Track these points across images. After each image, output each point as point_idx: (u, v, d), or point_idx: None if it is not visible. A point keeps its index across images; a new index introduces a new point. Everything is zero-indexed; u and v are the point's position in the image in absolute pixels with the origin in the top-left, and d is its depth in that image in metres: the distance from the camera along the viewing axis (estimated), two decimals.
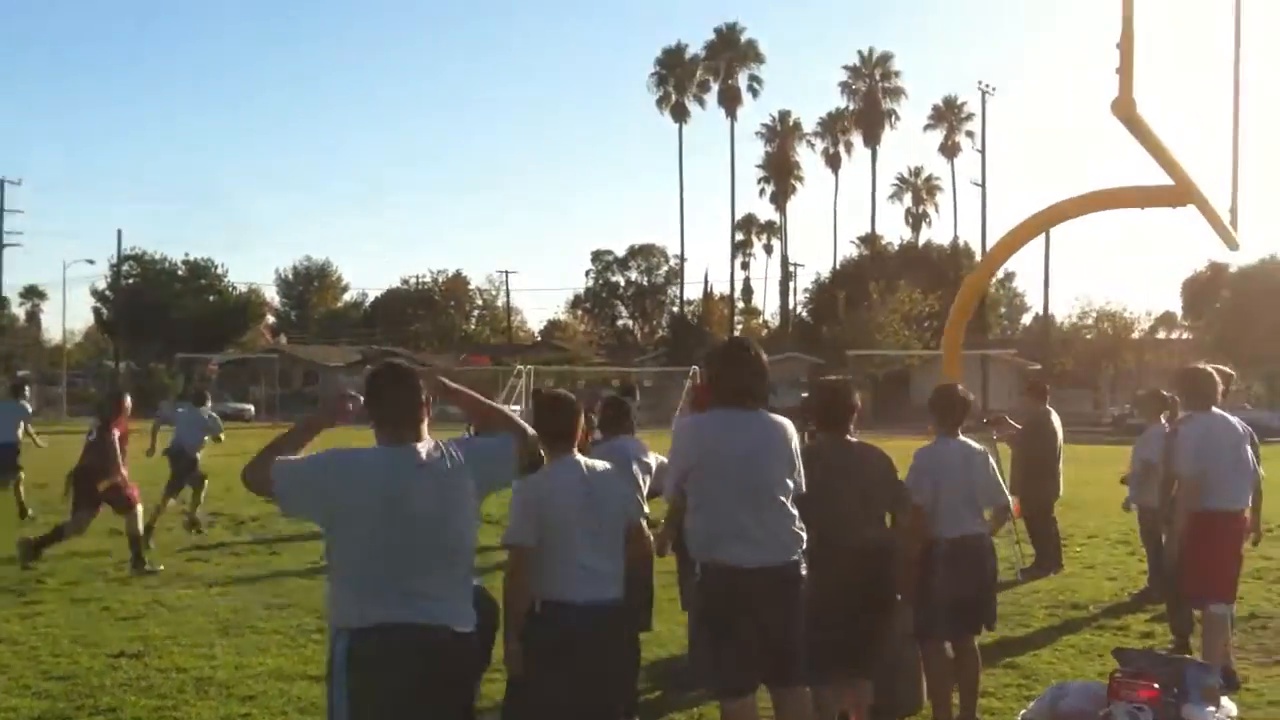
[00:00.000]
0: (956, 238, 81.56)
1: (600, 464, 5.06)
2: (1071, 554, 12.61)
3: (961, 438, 6.55)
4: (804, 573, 5.20)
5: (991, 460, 6.66)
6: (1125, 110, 7.08)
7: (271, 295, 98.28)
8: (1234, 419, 7.62)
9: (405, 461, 3.87)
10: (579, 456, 5.01)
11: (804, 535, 5.20)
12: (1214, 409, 7.51)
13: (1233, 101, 11.25)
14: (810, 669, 5.48)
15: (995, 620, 6.61)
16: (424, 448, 3.93)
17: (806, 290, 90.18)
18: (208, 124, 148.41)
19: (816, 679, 5.59)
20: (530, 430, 4.20)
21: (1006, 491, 6.76)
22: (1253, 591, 10.31)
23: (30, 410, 16.96)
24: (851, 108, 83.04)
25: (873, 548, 5.69)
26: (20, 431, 16.28)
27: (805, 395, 8.61)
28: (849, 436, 5.91)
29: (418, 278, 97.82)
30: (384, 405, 3.97)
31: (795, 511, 5.21)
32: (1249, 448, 7.59)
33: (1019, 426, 12.42)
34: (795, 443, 5.30)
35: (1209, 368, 7.80)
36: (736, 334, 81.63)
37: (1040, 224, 10.51)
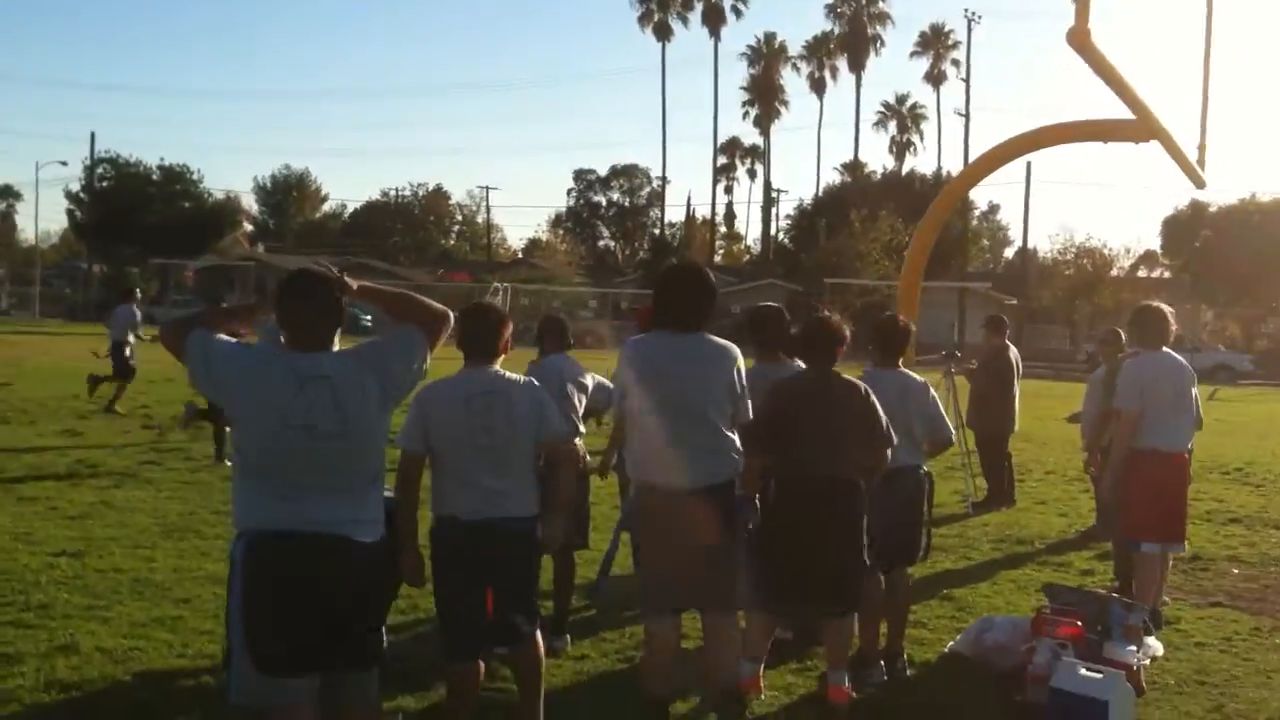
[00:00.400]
0: (940, 167, 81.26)
1: (515, 381, 4.95)
2: (1025, 489, 12.71)
3: (901, 369, 6.51)
4: (737, 495, 5.20)
5: (933, 393, 6.62)
6: (1080, 39, 7.02)
7: (249, 203, 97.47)
8: (1181, 359, 7.54)
9: (302, 371, 3.82)
10: (492, 370, 4.94)
11: (739, 460, 5.18)
12: (1164, 349, 7.44)
13: (1204, 42, 11.18)
14: (763, 595, 5.53)
15: (923, 552, 6.58)
16: (324, 358, 3.88)
17: (789, 216, 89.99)
18: (188, 26, 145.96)
19: (764, 605, 5.62)
20: (449, 315, 4.16)
21: (950, 425, 6.72)
22: (1199, 533, 10.39)
23: None
24: (837, 32, 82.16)
25: (843, 480, 5.64)
26: None
27: (737, 312, 8.45)
28: (833, 369, 5.82)
29: (398, 190, 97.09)
30: (287, 314, 3.93)
31: (733, 435, 5.18)
32: (1192, 391, 7.49)
33: (973, 362, 12.44)
34: (738, 366, 5.25)
35: (1162, 307, 7.65)
36: (716, 259, 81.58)
37: (1000, 157, 10.48)
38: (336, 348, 3.99)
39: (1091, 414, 9.71)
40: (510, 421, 4.80)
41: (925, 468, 6.46)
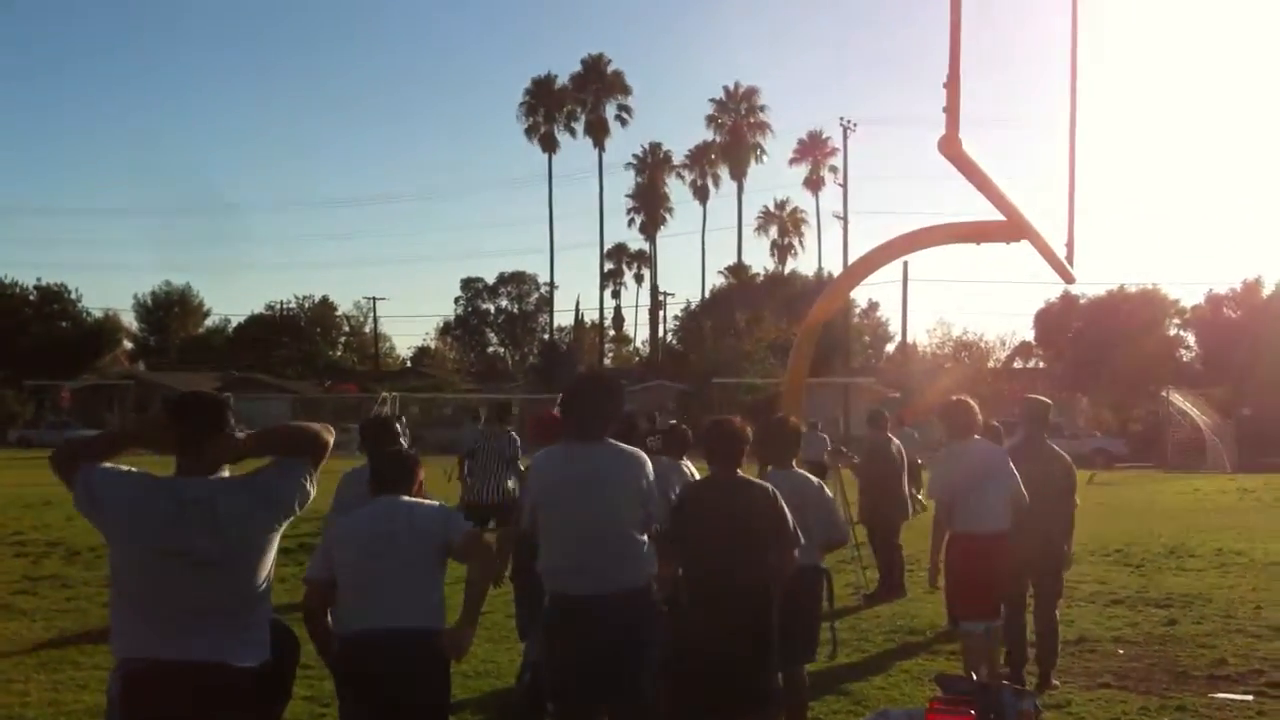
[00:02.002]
0: (821, 269, 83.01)
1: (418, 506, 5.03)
2: (915, 578, 12.82)
3: (795, 469, 6.62)
4: (650, 600, 5.24)
5: (828, 492, 6.74)
6: (952, 148, 7.28)
7: (129, 321, 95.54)
8: (991, 446, 8.05)
9: (184, 495, 3.78)
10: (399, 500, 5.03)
11: (652, 566, 5.25)
12: (974, 438, 7.90)
13: (1069, 139, 11.67)
14: (677, 703, 5.52)
15: (831, 649, 6.69)
16: (208, 482, 3.84)
17: (676, 319, 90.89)
18: (65, 144, 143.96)
19: (678, 713, 5.60)
20: (323, 435, 4.10)
21: (844, 525, 6.86)
22: (1084, 615, 10.62)
23: None
24: (718, 140, 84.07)
25: (753, 583, 5.66)
26: None
27: (673, 423, 8.55)
28: (736, 472, 5.88)
29: (283, 303, 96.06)
30: (177, 441, 3.89)
31: (643, 540, 5.21)
32: (1007, 473, 7.73)
33: (855, 458, 12.68)
34: (647, 473, 5.29)
35: (967, 399, 8.08)
36: (606, 362, 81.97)
37: (879, 259, 10.75)
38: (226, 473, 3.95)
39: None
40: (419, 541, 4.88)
41: (823, 565, 6.56)
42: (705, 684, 5.56)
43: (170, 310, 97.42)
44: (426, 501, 5.13)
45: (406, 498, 5.06)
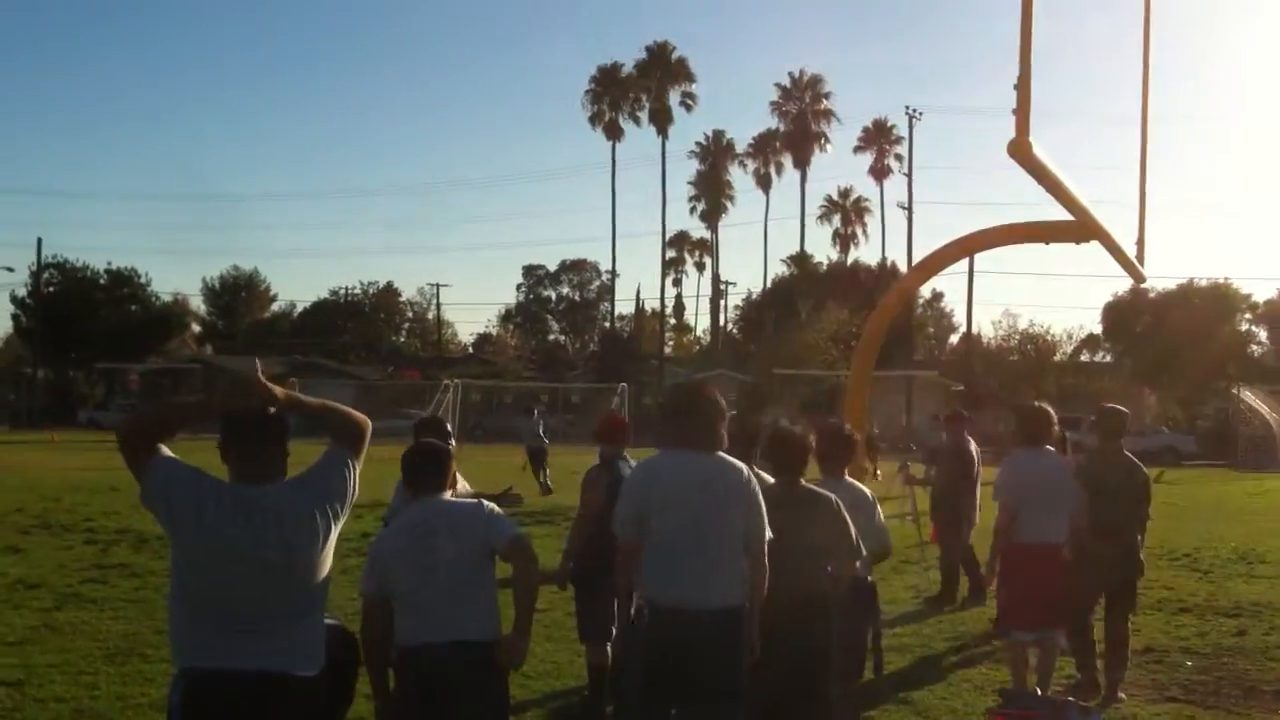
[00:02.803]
0: (885, 259, 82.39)
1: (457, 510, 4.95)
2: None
3: (848, 479, 6.57)
4: (744, 617, 5.16)
5: (878, 505, 6.69)
6: (1022, 152, 7.19)
7: (198, 305, 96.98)
8: (1057, 457, 7.93)
9: (248, 503, 3.77)
10: (436, 503, 4.95)
11: (748, 583, 5.17)
12: (1043, 447, 7.79)
13: (1140, 139, 11.49)
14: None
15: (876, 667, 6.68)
16: (269, 490, 3.84)
17: (737, 308, 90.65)
18: (135, 131, 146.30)
19: None
20: (368, 423, 4.09)
21: (889, 538, 6.78)
22: (1150, 623, 10.44)
23: None
24: (782, 129, 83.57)
25: (816, 595, 5.64)
26: None
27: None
28: (801, 482, 5.84)
29: (347, 289, 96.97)
30: (234, 446, 3.88)
31: (743, 556, 5.16)
32: (1071, 488, 7.71)
33: (929, 470, 12.46)
34: (753, 486, 5.23)
35: (1045, 407, 8.04)
36: (666, 350, 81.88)
37: (948, 257, 10.68)
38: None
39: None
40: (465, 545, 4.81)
41: (870, 578, 6.54)
42: (767, 696, 5.51)
43: (238, 295, 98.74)
44: (465, 502, 5.09)
45: (445, 497, 5.03)
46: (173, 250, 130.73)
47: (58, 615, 10.10)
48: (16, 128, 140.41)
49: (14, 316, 77.88)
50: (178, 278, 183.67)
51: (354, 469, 4.02)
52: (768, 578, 5.30)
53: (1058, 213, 9.45)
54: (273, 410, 3.87)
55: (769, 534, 5.23)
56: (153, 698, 7.43)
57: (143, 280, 79.17)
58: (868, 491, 6.60)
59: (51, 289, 73.52)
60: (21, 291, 74.35)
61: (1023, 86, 7.02)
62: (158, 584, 11.77)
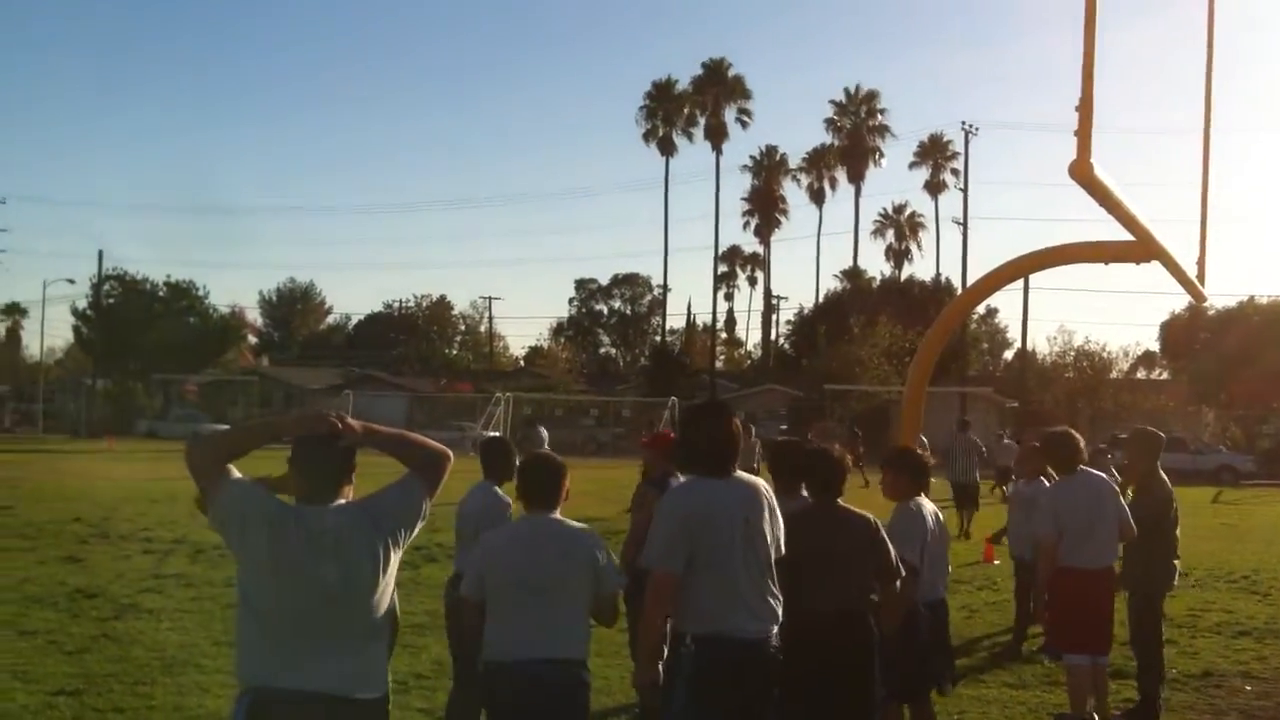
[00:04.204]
0: (939, 274, 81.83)
1: (570, 537, 5.05)
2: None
3: (924, 499, 6.56)
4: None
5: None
6: (1083, 173, 7.11)
7: (254, 317, 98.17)
8: (1100, 478, 7.91)
9: (311, 526, 3.81)
10: (548, 522, 5.09)
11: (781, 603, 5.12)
12: (1080, 469, 7.81)
13: (1202, 158, 11.34)
14: None
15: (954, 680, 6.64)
16: (331, 512, 3.87)
17: (789, 323, 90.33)
18: (194, 145, 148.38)
19: None
20: (448, 455, 4.12)
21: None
22: (1209, 647, 10.29)
23: None
24: (836, 144, 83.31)
25: (854, 615, 5.59)
26: None
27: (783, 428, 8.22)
28: (838, 501, 5.79)
29: (401, 302, 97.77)
30: (299, 468, 3.93)
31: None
32: (1116, 506, 7.74)
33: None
34: (773, 503, 5.18)
35: (1071, 432, 8.09)
36: (717, 365, 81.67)
37: (1006, 276, 10.57)
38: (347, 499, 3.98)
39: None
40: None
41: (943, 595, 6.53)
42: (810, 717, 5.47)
43: (293, 307, 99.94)
44: (578, 528, 5.11)
45: (556, 517, 5.12)
46: (230, 263, 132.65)
47: (116, 625, 10.24)
48: (79, 142, 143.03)
49: (75, 328, 79.24)
50: (235, 290, 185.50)
51: (426, 499, 4.03)
52: (812, 596, 5.32)
53: (1116, 229, 9.35)
54: (346, 443, 3.90)
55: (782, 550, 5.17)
56: (209, 709, 7.52)
57: (201, 292, 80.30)
58: (936, 513, 6.59)
59: (111, 301, 74.66)
60: (82, 303, 75.65)
61: (1084, 107, 6.94)
62: (214, 594, 11.91)
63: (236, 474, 3.86)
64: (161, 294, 78.29)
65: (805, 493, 6.06)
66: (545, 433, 25.63)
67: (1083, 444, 7.99)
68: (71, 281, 70.91)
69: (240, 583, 3.87)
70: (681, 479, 7.15)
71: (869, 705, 5.58)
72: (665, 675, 4.99)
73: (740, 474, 5.06)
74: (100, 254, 72.07)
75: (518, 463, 6.63)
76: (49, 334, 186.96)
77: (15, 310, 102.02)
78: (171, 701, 7.73)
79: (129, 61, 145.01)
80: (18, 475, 27.91)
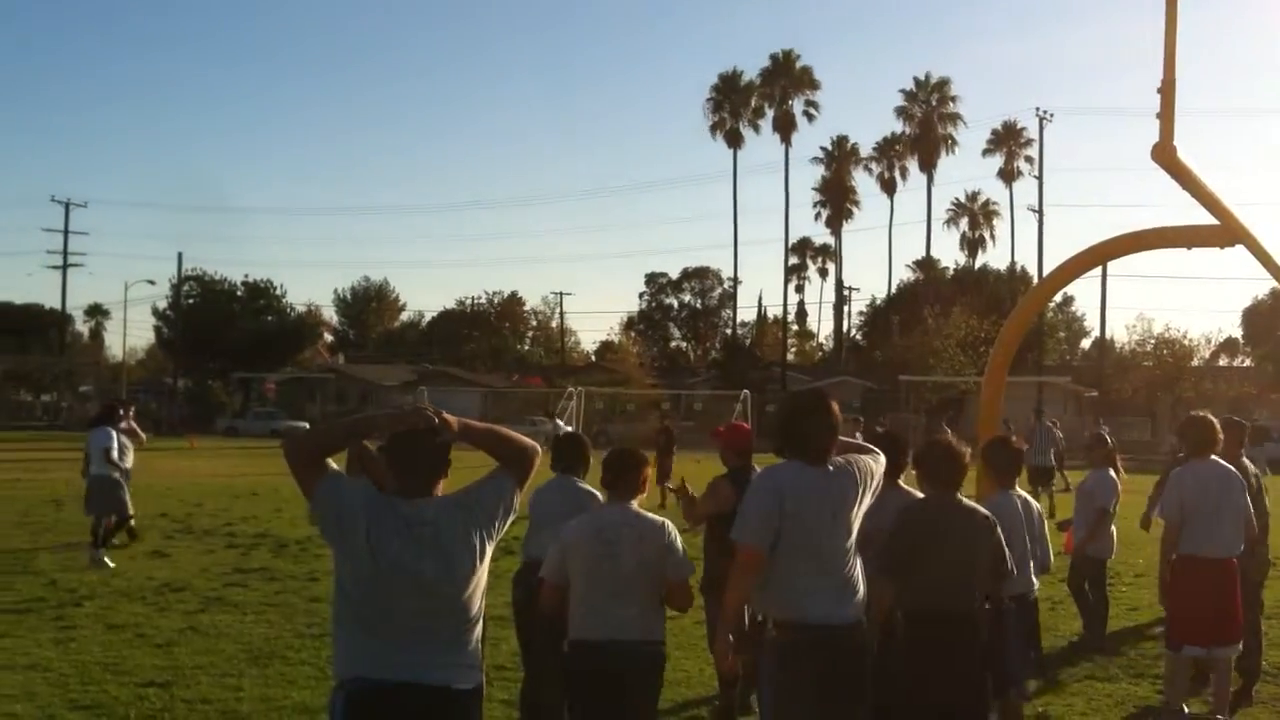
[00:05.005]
0: (1014, 263, 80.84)
1: (646, 527, 5.34)
2: (1116, 595, 12.34)
3: (1017, 490, 6.49)
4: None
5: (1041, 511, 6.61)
6: (1166, 156, 6.99)
7: (330, 315, 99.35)
8: (1228, 468, 7.68)
9: (410, 518, 3.85)
10: (626, 512, 5.40)
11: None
12: (1210, 458, 7.60)
13: None
14: None
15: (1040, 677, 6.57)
16: (430, 505, 3.91)
17: (861, 314, 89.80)
18: (269, 147, 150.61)
19: None
20: (537, 450, 4.17)
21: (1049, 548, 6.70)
22: None
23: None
24: (907, 132, 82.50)
25: (968, 613, 5.54)
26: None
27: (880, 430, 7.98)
28: (957, 496, 5.72)
29: (473, 299, 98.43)
30: (396, 460, 3.98)
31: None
32: (1240, 495, 7.58)
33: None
34: (875, 494, 5.11)
35: (1209, 416, 7.91)
36: (789, 357, 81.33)
37: (1086, 263, 10.36)
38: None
39: (1090, 520, 10.29)
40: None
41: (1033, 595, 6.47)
42: (918, 713, 5.41)
43: (368, 305, 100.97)
44: (651, 518, 5.40)
45: (633, 507, 5.43)
46: (306, 262, 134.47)
47: (202, 618, 10.42)
48: (159, 147, 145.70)
49: (156, 328, 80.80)
50: (311, 288, 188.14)
51: (516, 492, 4.09)
52: (921, 592, 5.33)
53: (1196, 214, 9.17)
54: (444, 439, 3.95)
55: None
56: (295, 701, 7.62)
57: (278, 292, 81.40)
58: (1036, 503, 6.51)
59: (191, 301, 75.97)
60: (163, 304, 77.08)
61: (1166, 90, 6.83)
62: (297, 588, 12.08)
63: (335, 469, 3.91)
64: (239, 294, 79.49)
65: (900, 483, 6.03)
66: (564, 425, 26.54)
67: (1220, 431, 7.77)
68: (152, 283, 72.39)
69: (338, 576, 3.91)
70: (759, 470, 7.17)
71: (981, 706, 5.55)
72: (754, 662, 5.01)
73: (837, 461, 5.01)
74: (180, 255, 73.40)
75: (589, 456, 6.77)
76: (131, 334, 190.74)
77: (98, 312, 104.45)
78: (258, 693, 7.85)
79: (210, 65, 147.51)
80: None
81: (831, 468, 4.95)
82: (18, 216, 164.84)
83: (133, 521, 15.15)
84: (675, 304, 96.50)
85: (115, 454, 14.07)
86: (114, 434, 14.25)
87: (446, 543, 3.86)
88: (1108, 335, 63.92)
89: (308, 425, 60.32)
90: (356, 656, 3.82)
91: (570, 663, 5.30)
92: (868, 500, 5.03)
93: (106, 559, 13.46)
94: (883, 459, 5.22)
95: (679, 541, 5.36)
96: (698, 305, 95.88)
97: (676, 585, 5.31)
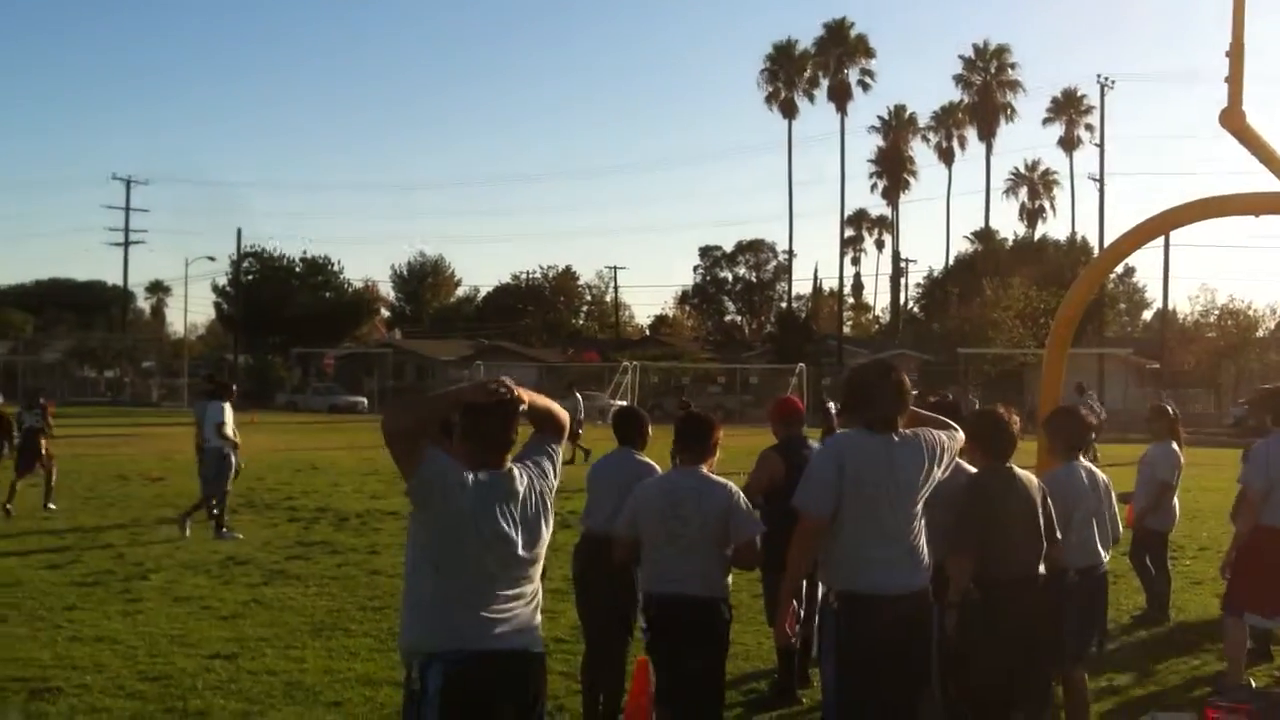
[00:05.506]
0: (1074, 233, 79.75)
1: (709, 490, 5.61)
2: (1180, 568, 12.20)
3: (1082, 461, 6.43)
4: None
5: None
6: (1235, 122, 6.86)
7: (387, 291, 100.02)
8: None
9: (499, 489, 3.95)
10: (692, 475, 5.69)
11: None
12: None
13: None
14: (973, 708, 5.43)
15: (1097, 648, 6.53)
16: (508, 476, 4.01)
17: (918, 286, 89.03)
18: (326, 123, 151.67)
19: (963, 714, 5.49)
20: (567, 416, 4.36)
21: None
22: None
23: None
24: (966, 101, 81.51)
25: (1037, 578, 5.56)
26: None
27: (946, 396, 7.87)
28: (1009, 465, 5.71)
29: (528, 273, 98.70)
30: (474, 431, 4.03)
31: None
32: None
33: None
34: (947, 463, 5.10)
35: None
36: (845, 330, 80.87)
37: (1150, 231, 10.17)
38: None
39: (1151, 492, 10.17)
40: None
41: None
42: (993, 682, 5.40)
43: (424, 280, 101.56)
44: (716, 480, 5.67)
45: (700, 470, 5.70)
46: (363, 238, 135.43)
47: (265, 590, 10.56)
48: (218, 124, 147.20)
49: (216, 304, 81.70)
50: (368, 264, 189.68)
51: (559, 455, 4.27)
52: (989, 560, 5.36)
53: (1262, 181, 8.98)
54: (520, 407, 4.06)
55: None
56: (358, 672, 7.71)
57: (335, 268, 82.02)
58: (1102, 474, 6.45)
59: (250, 277, 76.72)
60: (223, 280, 77.95)
61: (1235, 53, 6.68)
62: (358, 560, 12.22)
63: (433, 446, 3.95)
64: (298, 270, 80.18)
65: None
66: (581, 399, 27.35)
67: None
68: (212, 259, 73.51)
69: (428, 549, 3.91)
70: (813, 444, 7.18)
71: (1046, 675, 5.61)
72: (817, 634, 5.02)
73: (904, 432, 4.98)
74: (239, 231, 74.04)
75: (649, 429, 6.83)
76: (191, 310, 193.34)
77: (159, 288, 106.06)
78: (321, 664, 7.95)
79: (267, 43, 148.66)
80: (168, 447, 28.89)
81: (897, 438, 4.92)
82: (80, 194, 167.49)
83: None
84: (730, 277, 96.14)
85: (230, 429, 14.33)
86: (227, 408, 14.55)
87: (530, 511, 4.00)
88: (1170, 306, 62.89)
89: (364, 400, 60.91)
90: (450, 628, 3.85)
91: (645, 612, 5.70)
92: (937, 473, 5.00)
93: (234, 532, 13.97)
94: (959, 434, 5.20)
95: (743, 502, 5.63)
96: (752, 278, 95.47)
97: (742, 544, 5.54)
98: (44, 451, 16.45)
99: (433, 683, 3.82)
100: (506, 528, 3.91)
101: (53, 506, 16.17)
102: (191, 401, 61.91)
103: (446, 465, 3.88)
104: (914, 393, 5.15)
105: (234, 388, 15.74)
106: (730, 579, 5.72)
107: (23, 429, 16.57)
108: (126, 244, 74.51)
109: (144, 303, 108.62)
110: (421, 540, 3.94)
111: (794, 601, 5.13)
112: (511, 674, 3.91)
